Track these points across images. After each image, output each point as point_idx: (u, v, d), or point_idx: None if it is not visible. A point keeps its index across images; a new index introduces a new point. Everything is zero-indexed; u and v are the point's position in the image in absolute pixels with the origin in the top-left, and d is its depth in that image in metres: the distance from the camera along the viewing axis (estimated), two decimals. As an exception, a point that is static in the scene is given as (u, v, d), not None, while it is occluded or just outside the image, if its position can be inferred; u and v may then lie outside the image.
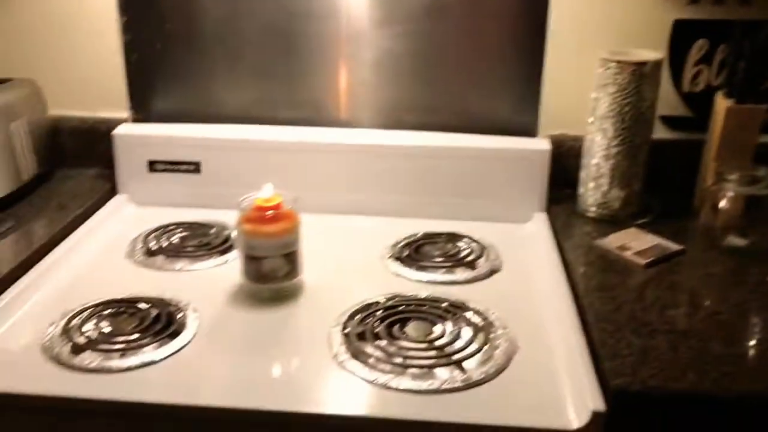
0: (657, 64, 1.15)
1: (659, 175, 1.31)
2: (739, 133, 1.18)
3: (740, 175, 1.11)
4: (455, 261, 1.14)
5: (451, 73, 1.29)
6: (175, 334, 0.94)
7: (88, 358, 0.90)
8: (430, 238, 1.22)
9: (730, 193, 1.12)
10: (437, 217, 1.29)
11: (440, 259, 1.15)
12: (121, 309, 1.00)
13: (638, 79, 1.14)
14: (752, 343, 0.89)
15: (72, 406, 0.84)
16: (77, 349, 0.91)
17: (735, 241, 1.13)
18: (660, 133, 1.31)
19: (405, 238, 1.21)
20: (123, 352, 0.91)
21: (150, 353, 0.91)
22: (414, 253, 1.16)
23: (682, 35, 1.27)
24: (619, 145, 1.19)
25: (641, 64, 1.14)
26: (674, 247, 1.12)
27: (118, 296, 1.03)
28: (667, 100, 1.31)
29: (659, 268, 1.07)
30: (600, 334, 0.90)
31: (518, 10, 1.25)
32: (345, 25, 1.27)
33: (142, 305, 1.00)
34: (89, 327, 0.96)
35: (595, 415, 0.78)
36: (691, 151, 1.29)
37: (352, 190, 1.30)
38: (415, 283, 1.09)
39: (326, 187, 1.30)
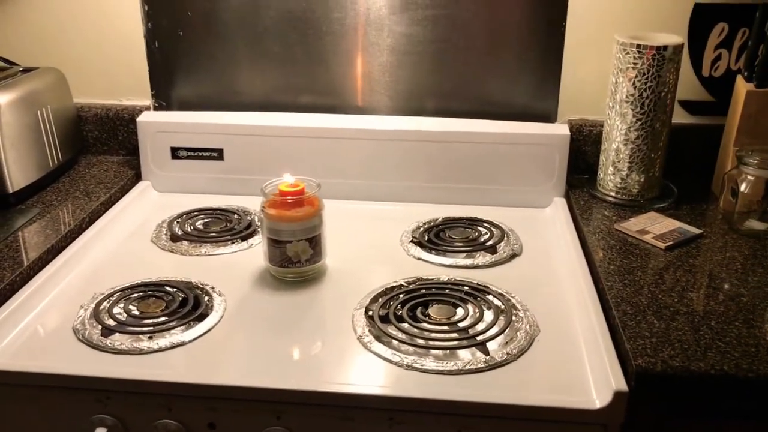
0: (677, 48, 1.15)
1: (679, 160, 1.32)
2: (759, 117, 1.19)
3: (760, 158, 1.11)
4: (476, 245, 1.15)
5: (470, 59, 1.30)
6: (202, 317, 0.96)
7: (118, 340, 0.92)
8: (451, 223, 1.23)
9: (750, 177, 1.12)
10: (457, 203, 1.30)
11: (461, 244, 1.16)
12: (149, 292, 1.02)
13: (658, 64, 1.14)
14: (772, 325, 0.90)
15: (102, 385, 0.87)
16: (107, 331, 0.93)
17: (754, 224, 1.13)
18: (679, 117, 1.32)
19: (425, 223, 1.23)
20: (151, 335, 0.93)
21: (178, 335, 0.93)
22: (435, 237, 1.18)
23: (702, 19, 1.27)
24: (638, 130, 1.19)
25: (662, 49, 1.14)
26: (694, 230, 1.13)
27: (146, 280, 1.05)
28: (687, 84, 1.31)
29: (679, 251, 1.08)
30: (621, 316, 0.91)
31: (537, -4, 1.25)
32: (364, 11, 1.28)
33: (169, 289, 1.02)
34: (118, 310, 0.98)
35: (618, 395, 0.79)
36: (711, 135, 1.29)
37: (373, 176, 1.31)
38: (436, 267, 1.10)
39: (347, 173, 1.31)
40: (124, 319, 0.96)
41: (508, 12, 1.26)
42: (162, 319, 0.96)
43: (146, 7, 1.32)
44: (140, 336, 0.93)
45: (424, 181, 1.31)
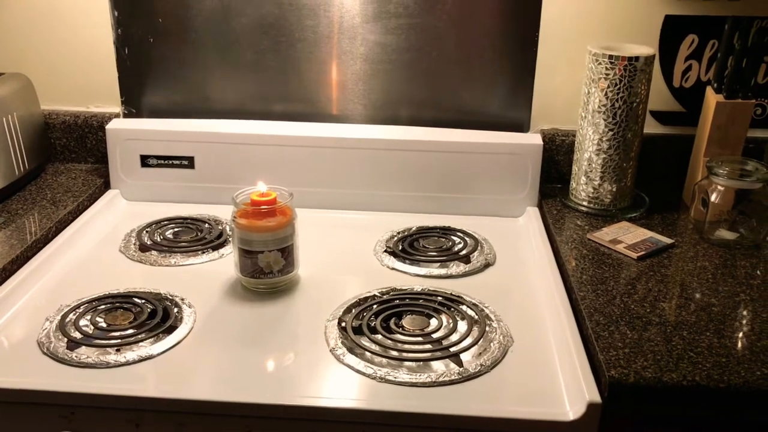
0: (649, 59, 1.16)
1: (650, 170, 1.33)
2: (728, 128, 1.20)
3: (730, 168, 1.12)
4: (449, 255, 1.15)
5: (444, 69, 1.30)
6: (171, 329, 0.95)
7: (85, 353, 0.90)
8: (424, 232, 1.22)
9: (720, 187, 1.13)
10: (431, 212, 1.30)
11: (434, 253, 1.15)
12: (117, 304, 1.00)
13: (630, 74, 1.15)
14: (742, 334, 0.90)
15: (68, 400, 0.85)
16: (73, 344, 0.91)
17: (724, 234, 1.14)
18: (651, 127, 1.33)
19: (399, 233, 1.22)
20: (119, 348, 0.91)
21: (147, 348, 0.91)
22: (408, 247, 1.17)
23: (672, 31, 1.28)
24: (610, 140, 1.20)
25: (633, 59, 1.15)
26: (665, 240, 1.14)
27: (113, 291, 1.03)
28: (658, 94, 1.32)
29: (651, 261, 1.09)
30: (594, 326, 0.91)
31: (510, 5, 1.25)
32: (338, 19, 1.27)
33: (138, 300, 1.00)
34: (85, 322, 0.96)
35: (591, 406, 0.79)
36: (682, 145, 1.31)
37: (346, 185, 1.30)
38: (410, 277, 1.09)
39: (320, 182, 1.30)
40: (90, 332, 0.94)
41: (482, 21, 1.27)
42: (130, 331, 0.94)
43: (116, 13, 1.30)
44: (107, 349, 0.91)
45: (397, 190, 1.30)
